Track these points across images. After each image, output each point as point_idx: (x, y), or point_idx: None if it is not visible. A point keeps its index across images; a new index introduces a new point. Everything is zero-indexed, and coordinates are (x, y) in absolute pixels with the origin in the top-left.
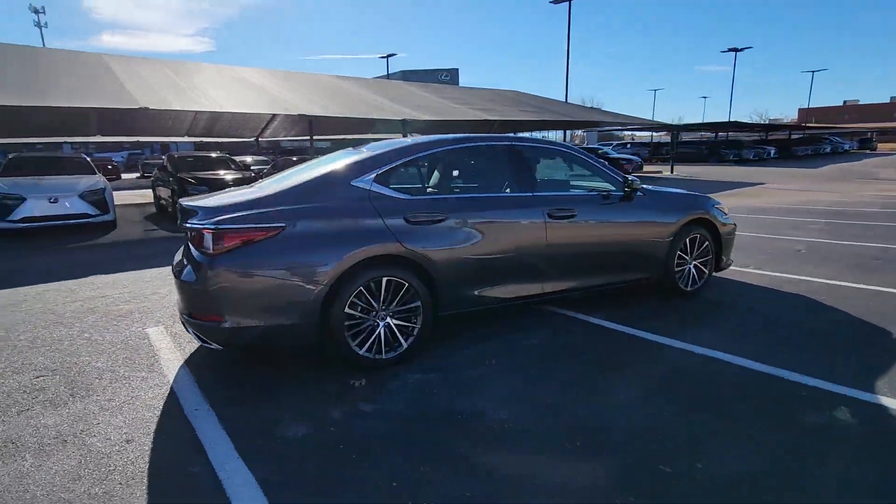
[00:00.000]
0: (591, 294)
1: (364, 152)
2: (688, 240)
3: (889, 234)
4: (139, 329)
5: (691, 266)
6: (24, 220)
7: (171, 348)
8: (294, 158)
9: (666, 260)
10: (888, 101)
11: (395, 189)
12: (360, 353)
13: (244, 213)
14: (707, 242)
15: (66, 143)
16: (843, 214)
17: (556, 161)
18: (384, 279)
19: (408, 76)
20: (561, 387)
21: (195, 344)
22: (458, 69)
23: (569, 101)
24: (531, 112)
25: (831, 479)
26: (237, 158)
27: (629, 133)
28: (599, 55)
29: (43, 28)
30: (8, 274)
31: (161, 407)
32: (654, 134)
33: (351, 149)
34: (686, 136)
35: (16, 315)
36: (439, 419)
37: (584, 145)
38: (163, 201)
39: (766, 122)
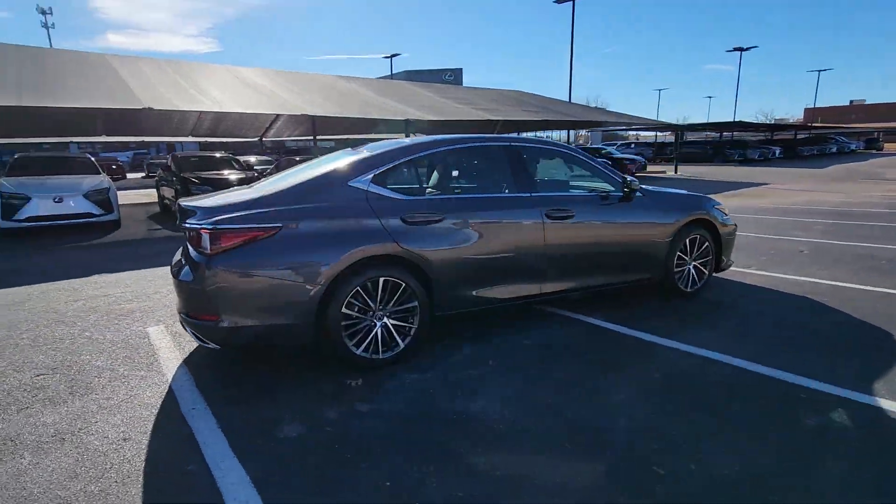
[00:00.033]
0: (591, 294)
1: (362, 153)
2: (687, 240)
3: (895, 234)
4: (140, 328)
5: (691, 267)
6: (29, 219)
7: (171, 347)
8: (297, 158)
9: (665, 260)
10: (895, 101)
11: (392, 189)
12: (357, 353)
13: (242, 213)
14: (707, 243)
15: (72, 142)
16: (848, 215)
17: (556, 161)
18: (381, 279)
19: (412, 76)
20: (560, 387)
21: (194, 343)
22: (461, 69)
23: (573, 100)
24: (534, 112)
25: (829, 481)
26: (241, 158)
27: (633, 133)
28: (604, 55)
29: (50, 29)
30: (12, 273)
31: (159, 406)
32: (659, 134)
33: (349, 149)
34: (691, 136)
35: (19, 314)
36: (436, 419)
37: (588, 145)
38: (167, 201)
39: (772, 121)
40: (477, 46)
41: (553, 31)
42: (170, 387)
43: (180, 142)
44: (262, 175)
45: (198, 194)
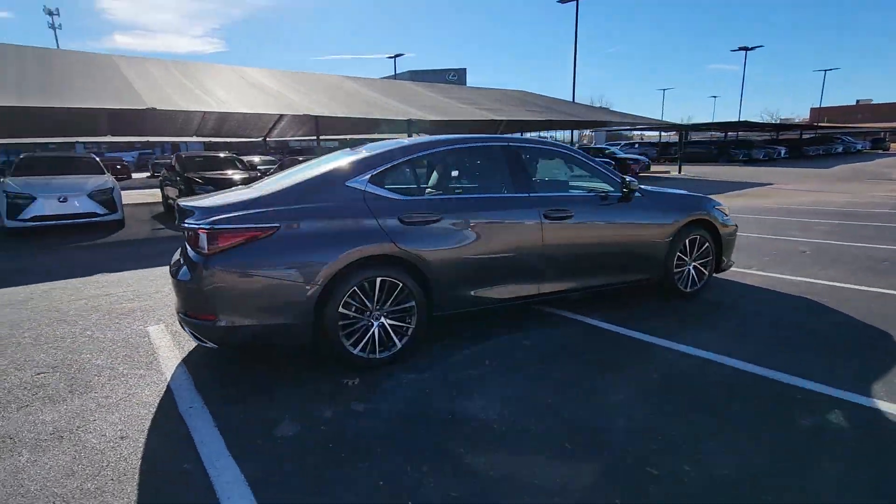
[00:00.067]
0: (590, 295)
1: (360, 153)
2: (687, 241)
3: None
4: (140, 327)
5: (691, 267)
6: (34, 218)
7: (171, 346)
8: (300, 158)
9: (665, 261)
10: None
11: (390, 189)
12: (354, 352)
13: (239, 213)
14: (707, 244)
15: (78, 142)
16: (852, 215)
17: (555, 162)
18: (378, 279)
19: (416, 76)
20: (559, 387)
21: (194, 343)
22: (465, 69)
23: (577, 100)
24: (538, 112)
25: (827, 483)
26: (245, 158)
27: (638, 133)
28: (608, 55)
29: (57, 30)
30: (16, 272)
31: (157, 404)
32: (663, 134)
33: (348, 149)
34: (695, 136)
35: (21, 312)
36: (434, 418)
37: (592, 145)
38: (170, 201)
39: (777, 121)
40: (481, 47)
41: (557, 31)
42: (168, 385)
43: (185, 142)
44: (265, 175)
45: (201, 194)
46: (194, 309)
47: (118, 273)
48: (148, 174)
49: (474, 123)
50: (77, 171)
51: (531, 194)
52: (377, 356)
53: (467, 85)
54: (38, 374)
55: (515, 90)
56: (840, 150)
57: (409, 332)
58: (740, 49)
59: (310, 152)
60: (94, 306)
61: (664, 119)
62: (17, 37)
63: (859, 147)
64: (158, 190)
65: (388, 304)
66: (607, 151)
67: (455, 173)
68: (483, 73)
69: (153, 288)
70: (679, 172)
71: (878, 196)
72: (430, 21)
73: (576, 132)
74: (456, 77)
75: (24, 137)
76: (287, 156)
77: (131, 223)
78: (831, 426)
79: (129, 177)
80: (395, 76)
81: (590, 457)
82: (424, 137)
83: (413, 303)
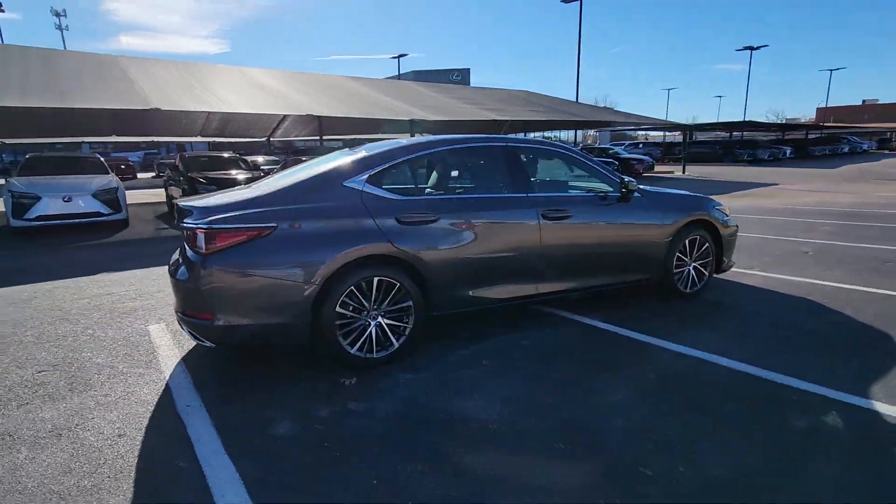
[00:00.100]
0: (589, 295)
1: (359, 153)
2: (687, 241)
3: None
4: (141, 326)
5: (690, 268)
6: (39, 218)
7: (171, 345)
8: (303, 158)
9: (664, 261)
10: None
11: (387, 190)
12: (352, 352)
13: (237, 212)
14: (707, 244)
15: (84, 142)
16: (857, 216)
17: (554, 162)
18: (375, 279)
19: (419, 76)
20: (557, 387)
21: (193, 342)
22: (469, 69)
23: (582, 100)
24: (541, 112)
25: (823, 484)
26: (249, 158)
27: (642, 133)
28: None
29: (64, 31)
30: (20, 271)
31: (155, 403)
32: (668, 134)
33: (347, 149)
34: (700, 136)
35: (24, 311)
36: (432, 418)
37: (597, 145)
38: (174, 200)
39: (783, 121)
40: (485, 47)
41: (561, 31)
42: (167, 384)
43: (190, 142)
44: (267, 175)
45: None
46: (192, 308)
47: (121, 272)
48: (153, 174)
49: (478, 124)
50: (82, 171)
51: (529, 194)
52: (374, 356)
53: (471, 85)
54: (39, 372)
55: (519, 90)
56: (846, 150)
57: (407, 332)
58: (745, 48)
59: (313, 152)
60: (96, 305)
61: (669, 119)
62: (26, 38)
63: (865, 147)
64: (163, 190)
65: (386, 303)
66: (611, 151)
67: (453, 173)
68: (487, 73)
69: (155, 287)
70: (683, 172)
71: (884, 196)
72: (433, 21)
73: (580, 132)
74: (459, 77)
75: (30, 138)
76: (291, 156)
77: (135, 223)
78: (832, 428)
79: (135, 176)
80: (399, 76)
81: (588, 457)
82: (423, 137)
83: (410, 302)
